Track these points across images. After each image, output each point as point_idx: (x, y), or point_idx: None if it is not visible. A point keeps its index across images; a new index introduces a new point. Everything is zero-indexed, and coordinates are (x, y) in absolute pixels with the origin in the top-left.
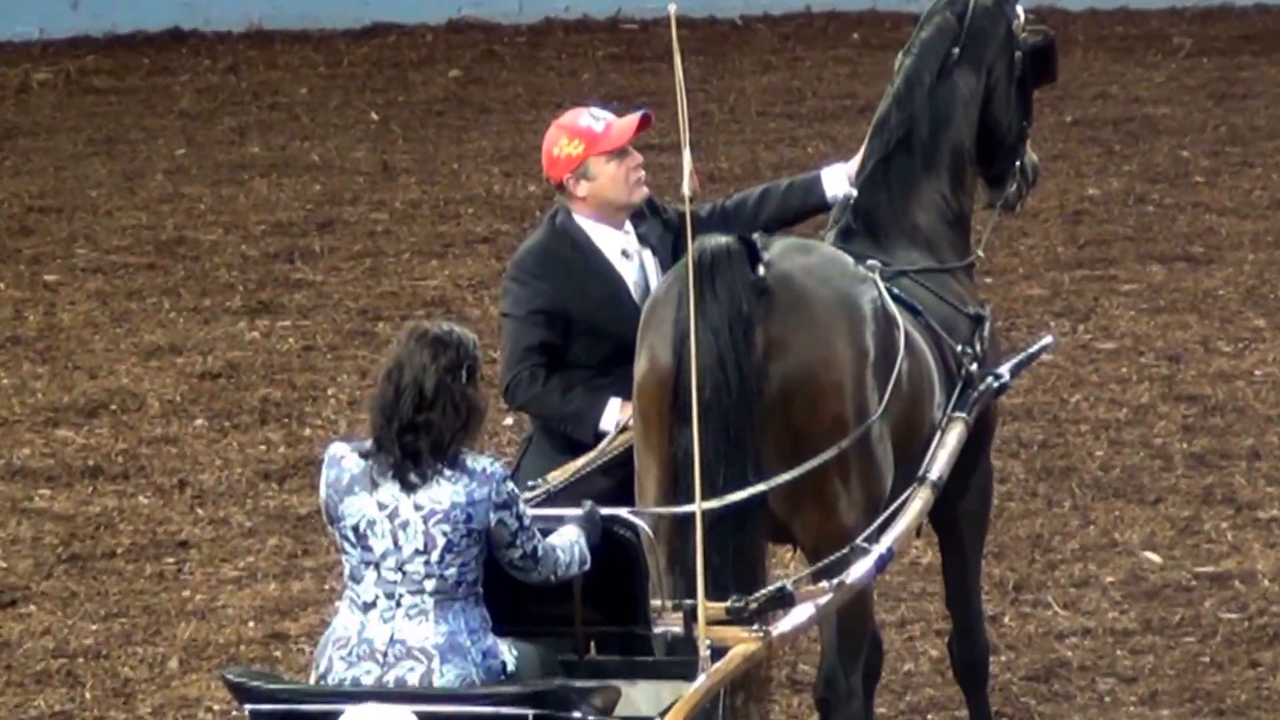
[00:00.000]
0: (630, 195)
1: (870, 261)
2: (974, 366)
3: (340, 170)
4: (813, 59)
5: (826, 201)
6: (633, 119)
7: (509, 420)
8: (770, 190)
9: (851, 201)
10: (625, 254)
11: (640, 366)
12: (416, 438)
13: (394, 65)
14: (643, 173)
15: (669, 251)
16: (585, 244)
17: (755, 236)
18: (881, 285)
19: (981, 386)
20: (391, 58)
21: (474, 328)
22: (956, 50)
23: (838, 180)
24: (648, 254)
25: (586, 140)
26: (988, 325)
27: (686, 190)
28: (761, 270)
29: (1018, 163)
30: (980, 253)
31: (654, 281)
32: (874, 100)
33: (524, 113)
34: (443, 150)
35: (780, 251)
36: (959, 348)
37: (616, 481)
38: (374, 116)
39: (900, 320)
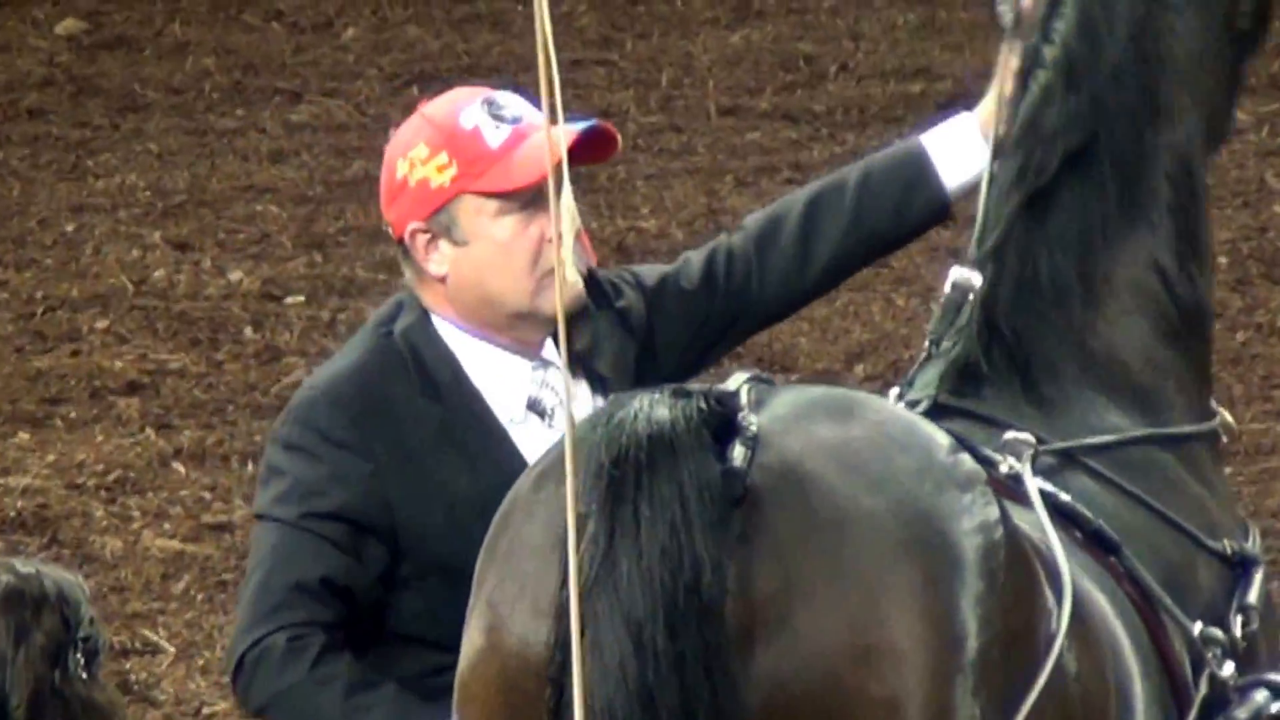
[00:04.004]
0: (534, 298)
1: (1016, 435)
2: (1228, 668)
3: None
4: None
5: (946, 203)
6: (568, 130)
7: None
8: (826, 196)
9: (972, 297)
10: (537, 408)
11: (471, 645)
12: None
13: None
14: (572, 253)
15: (633, 384)
16: (453, 382)
17: (741, 382)
18: (1032, 484)
19: (1242, 712)
20: None
21: (112, 574)
22: None
23: (963, 150)
24: (587, 403)
25: (463, 157)
26: (1257, 577)
27: (566, 266)
28: (737, 455)
29: None
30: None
31: None
32: (966, 81)
33: (220, 112)
34: (41, 193)
35: (785, 414)
36: (1195, 628)
37: None
38: None
39: (1065, 565)
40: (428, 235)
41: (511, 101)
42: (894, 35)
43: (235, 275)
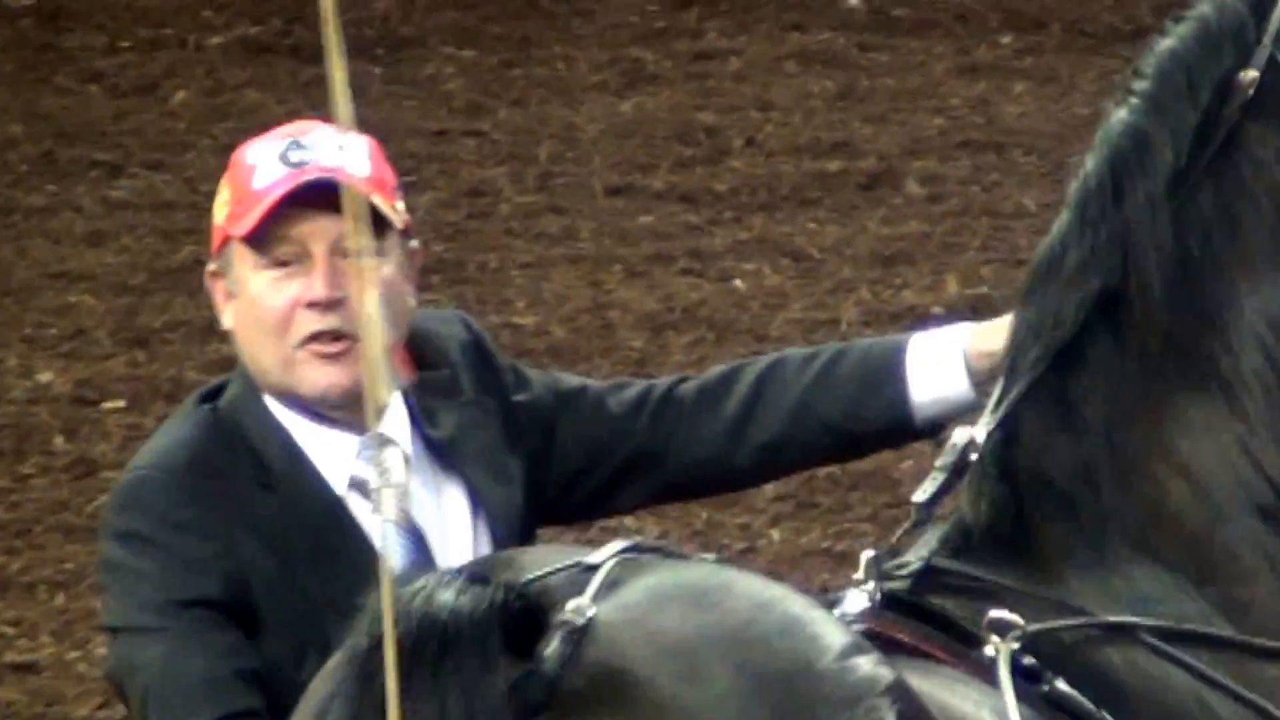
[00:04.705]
0: (288, 372)
1: (1001, 613)
2: None
3: None
4: (755, 50)
5: (907, 415)
6: (301, 177)
7: None
8: (788, 367)
9: (974, 457)
10: (361, 489)
11: None
12: None
13: None
14: (346, 321)
15: (519, 493)
16: (287, 462)
17: (609, 555)
18: (1005, 673)
19: None
20: None
21: None
22: (1248, 76)
23: (941, 368)
24: (451, 496)
25: (235, 195)
26: None
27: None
28: (549, 652)
29: None
30: None
31: (448, 556)
32: (890, 159)
33: (28, 186)
34: None
35: (635, 601)
36: None
37: None
38: None
39: None
40: (220, 279)
41: (320, 143)
42: (808, 105)
43: (44, 376)
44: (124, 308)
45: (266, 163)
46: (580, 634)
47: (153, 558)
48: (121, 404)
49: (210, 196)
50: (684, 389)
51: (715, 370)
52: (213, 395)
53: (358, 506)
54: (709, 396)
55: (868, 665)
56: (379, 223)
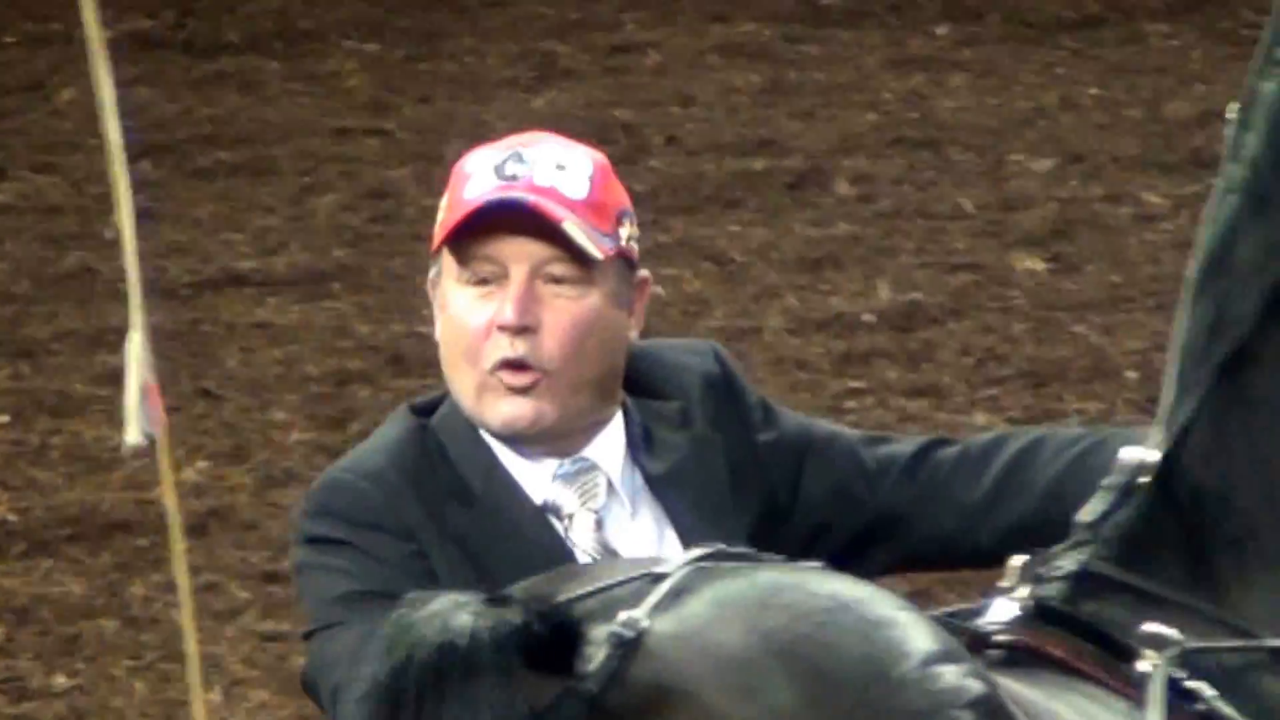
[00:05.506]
0: (477, 400)
1: (1158, 628)
2: None
3: None
4: (676, 43)
5: None
6: (484, 197)
7: None
8: (1047, 448)
9: (1143, 479)
10: (552, 510)
11: None
12: None
13: None
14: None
15: (739, 536)
16: (486, 484)
17: (679, 565)
18: (1156, 692)
19: None
20: None
21: None
22: None
23: None
24: (663, 527)
25: (450, 201)
26: None
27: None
28: (592, 667)
29: None
30: None
31: None
32: (818, 157)
33: None
34: None
35: (695, 612)
36: None
37: None
38: None
39: None
40: (436, 288)
41: (540, 158)
42: (732, 101)
43: None
44: (7, 317)
45: (481, 172)
46: (629, 648)
47: (344, 556)
48: (5, 419)
49: (99, 200)
50: (942, 454)
51: (978, 439)
52: (426, 409)
53: (560, 529)
54: (967, 468)
55: (954, 675)
56: (580, 251)
